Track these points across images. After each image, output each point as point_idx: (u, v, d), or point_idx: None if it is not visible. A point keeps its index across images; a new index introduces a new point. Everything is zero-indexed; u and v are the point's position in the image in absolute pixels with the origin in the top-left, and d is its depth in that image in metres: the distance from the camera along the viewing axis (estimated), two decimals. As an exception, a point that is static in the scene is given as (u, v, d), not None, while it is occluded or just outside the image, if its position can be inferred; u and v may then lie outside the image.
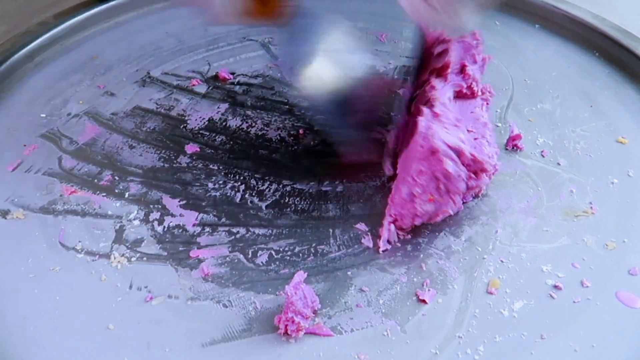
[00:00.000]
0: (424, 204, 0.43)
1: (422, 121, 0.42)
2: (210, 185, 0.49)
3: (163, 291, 0.42)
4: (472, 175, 0.43)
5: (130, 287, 0.42)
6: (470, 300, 0.41)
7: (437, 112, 0.43)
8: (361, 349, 0.38)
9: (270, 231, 0.45)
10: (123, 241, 0.44)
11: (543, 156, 0.51)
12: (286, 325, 0.38)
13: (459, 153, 0.41)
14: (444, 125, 0.42)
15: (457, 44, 0.49)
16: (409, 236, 0.45)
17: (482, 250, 0.44)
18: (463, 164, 0.42)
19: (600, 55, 0.61)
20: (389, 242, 0.44)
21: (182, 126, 0.54)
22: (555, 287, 0.42)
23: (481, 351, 0.38)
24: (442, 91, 0.46)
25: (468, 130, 0.45)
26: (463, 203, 0.46)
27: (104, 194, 0.48)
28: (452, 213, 0.44)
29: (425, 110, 0.44)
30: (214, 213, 0.47)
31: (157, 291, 0.42)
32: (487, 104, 0.49)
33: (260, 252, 0.44)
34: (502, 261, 0.43)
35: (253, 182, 0.49)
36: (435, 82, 0.47)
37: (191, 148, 0.52)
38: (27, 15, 0.64)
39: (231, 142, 0.52)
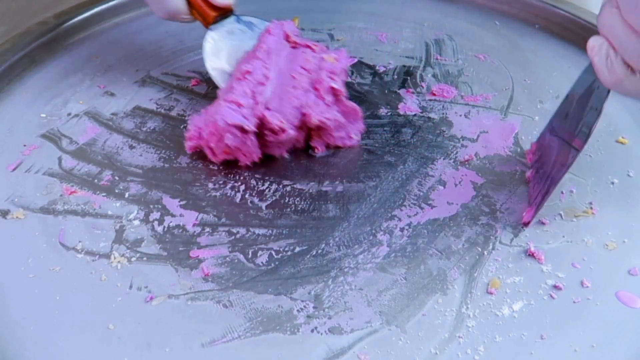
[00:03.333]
0: (221, 152, 0.49)
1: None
2: (210, 185, 0.49)
3: (163, 291, 0.42)
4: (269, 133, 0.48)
5: (131, 287, 0.42)
6: (470, 300, 0.41)
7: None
8: (361, 349, 0.38)
9: (270, 231, 0.45)
10: (123, 241, 0.44)
11: (543, 156, 0.51)
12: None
13: (240, 128, 0.46)
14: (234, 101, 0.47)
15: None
16: (409, 237, 0.45)
17: (482, 250, 0.44)
18: (247, 134, 0.47)
19: (600, 55, 0.61)
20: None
21: (182, 126, 0.54)
22: (555, 287, 0.42)
23: (481, 351, 0.38)
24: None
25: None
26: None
27: (104, 194, 0.48)
28: (251, 163, 0.49)
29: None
30: (214, 213, 0.47)
31: (157, 291, 0.42)
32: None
33: (260, 252, 0.44)
34: (502, 261, 0.43)
35: (253, 182, 0.49)
36: None
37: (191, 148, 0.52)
38: (27, 15, 0.64)
39: (231, 142, 0.52)
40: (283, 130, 0.47)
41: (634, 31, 0.36)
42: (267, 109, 0.47)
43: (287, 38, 0.52)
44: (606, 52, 0.38)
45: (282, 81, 0.49)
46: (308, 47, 0.52)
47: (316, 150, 0.51)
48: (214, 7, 0.53)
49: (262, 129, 0.48)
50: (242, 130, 0.46)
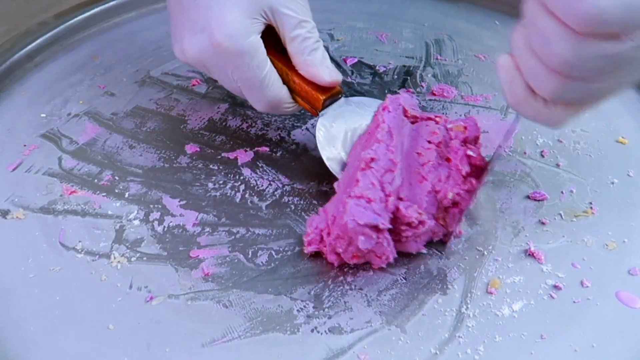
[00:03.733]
0: (350, 257, 0.42)
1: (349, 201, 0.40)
2: (210, 185, 0.49)
3: (163, 291, 0.42)
4: (404, 228, 0.41)
5: (131, 287, 0.42)
6: (470, 300, 0.41)
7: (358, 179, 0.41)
8: (361, 348, 0.38)
9: (270, 231, 0.45)
10: (123, 241, 0.44)
11: (543, 156, 0.51)
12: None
13: (374, 228, 0.39)
14: (365, 197, 0.40)
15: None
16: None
17: (482, 250, 0.44)
18: (381, 233, 0.40)
19: (600, 55, 0.61)
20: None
21: (182, 126, 0.54)
22: (555, 287, 0.42)
23: (481, 351, 0.38)
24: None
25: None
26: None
27: (104, 194, 0.48)
28: (386, 263, 0.42)
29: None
30: (214, 213, 0.47)
31: (157, 291, 0.42)
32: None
33: (260, 252, 0.44)
34: (502, 261, 0.43)
35: (253, 182, 0.49)
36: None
37: (191, 148, 0.52)
38: (27, 15, 0.63)
39: (231, 142, 0.52)
40: (422, 223, 0.41)
41: (536, 53, 0.34)
42: (400, 199, 0.41)
43: (405, 113, 0.46)
44: (511, 71, 0.36)
45: (409, 162, 0.44)
46: (430, 119, 0.46)
47: (459, 233, 0.45)
48: (322, 90, 0.47)
49: (397, 224, 0.41)
50: (377, 229, 0.39)
